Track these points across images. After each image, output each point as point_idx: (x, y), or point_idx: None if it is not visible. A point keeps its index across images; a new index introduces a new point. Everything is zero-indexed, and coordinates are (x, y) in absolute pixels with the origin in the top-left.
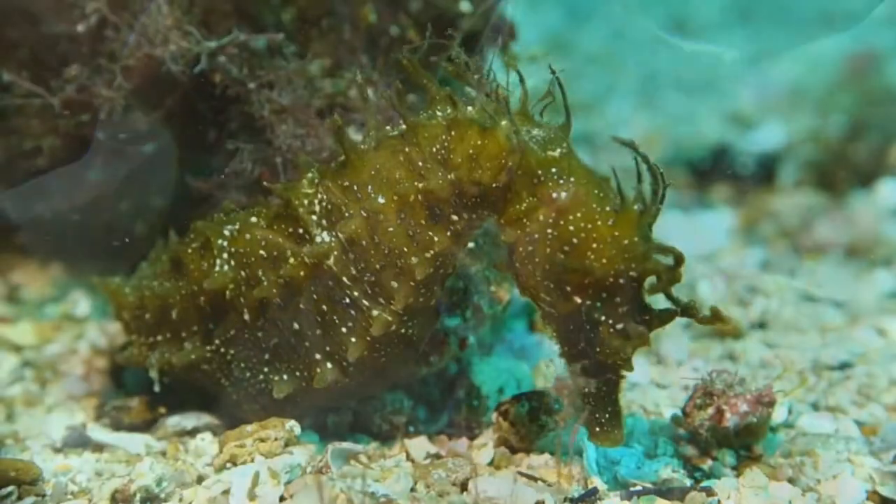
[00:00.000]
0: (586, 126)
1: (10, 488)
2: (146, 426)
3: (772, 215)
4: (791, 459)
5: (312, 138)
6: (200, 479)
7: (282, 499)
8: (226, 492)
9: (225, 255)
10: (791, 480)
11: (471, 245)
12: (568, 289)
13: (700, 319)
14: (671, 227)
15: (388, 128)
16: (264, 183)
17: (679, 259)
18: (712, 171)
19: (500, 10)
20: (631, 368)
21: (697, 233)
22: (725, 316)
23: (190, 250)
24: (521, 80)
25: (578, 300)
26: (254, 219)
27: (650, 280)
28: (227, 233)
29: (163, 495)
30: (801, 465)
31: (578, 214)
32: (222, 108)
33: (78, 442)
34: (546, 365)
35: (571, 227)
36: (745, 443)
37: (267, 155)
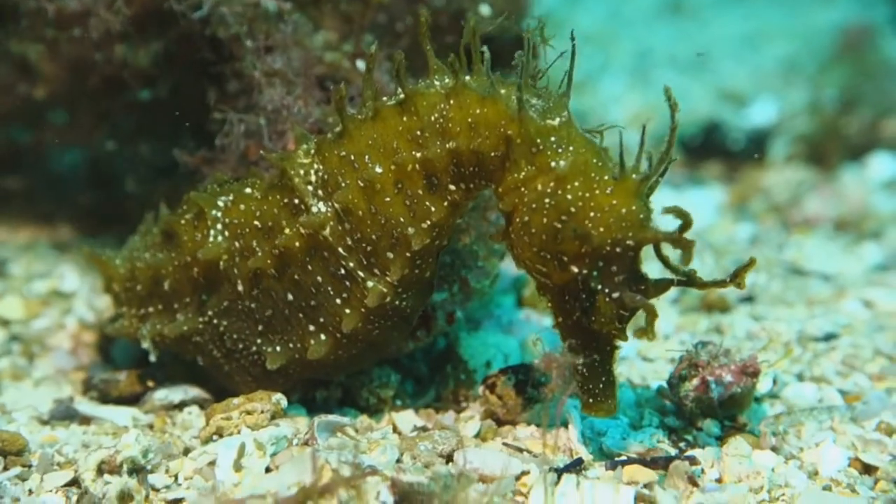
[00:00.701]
0: (579, 104)
1: None
2: (134, 400)
3: (762, 191)
4: (775, 428)
5: (299, 105)
6: (187, 451)
7: (268, 470)
8: (212, 463)
9: (219, 226)
10: (774, 449)
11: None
12: (565, 258)
13: (701, 285)
14: (662, 204)
15: (385, 98)
16: (261, 153)
17: (687, 222)
18: (703, 148)
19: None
20: (625, 338)
21: (688, 209)
22: (743, 277)
23: (183, 221)
24: (528, 51)
25: (575, 269)
26: (248, 189)
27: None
28: (220, 203)
29: (149, 467)
30: (784, 434)
31: (577, 183)
32: (220, 61)
33: (65, 414)
34: (533, 342)
35: (570, 196)
36: (729, 413)
37: (255, 128)
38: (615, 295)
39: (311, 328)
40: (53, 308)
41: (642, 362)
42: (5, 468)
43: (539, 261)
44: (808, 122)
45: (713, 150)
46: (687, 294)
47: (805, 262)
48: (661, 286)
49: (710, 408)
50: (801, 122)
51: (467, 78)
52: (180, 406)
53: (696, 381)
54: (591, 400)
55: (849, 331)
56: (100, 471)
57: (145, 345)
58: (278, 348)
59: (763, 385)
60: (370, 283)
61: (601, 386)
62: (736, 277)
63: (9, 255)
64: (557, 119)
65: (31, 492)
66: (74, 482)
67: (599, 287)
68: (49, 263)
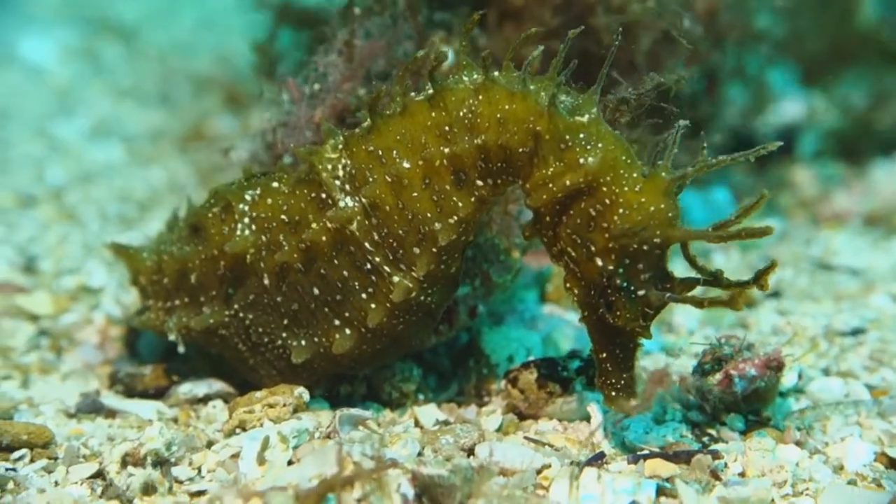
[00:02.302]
0: None
1: (23, 451)
2: (159, 394)
3: (791, 186)
4: (800, 423)
5: (336, 77)
6: (210, 444)
7: (290, 463)
8: (234, 456)
9: (246, 220)
10: (799, 443)
11: None
12: (592, 248)
13: (726, 286)
14: (688, 199)
15: (413, 93)
16: (290, 147)
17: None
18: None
19: None
20: (649, 336)
21: (714, 204)
22: (766, 279)
23: (210, 215)
24: (565, 47)
25: (600, 263)
26: (275, 184)
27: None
28: (248, 197)
29: (173, 459)
30: (809, 428)
31: (606, 179)
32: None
33: (91, 408)
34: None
35: (602, 190)
36: (753, 407)
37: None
38: (640, 293)
39: (337, 322)
40: (81, 303)
41: (666, 357)
42: (32, 460)
43: (571, 244)
44: (839, 117)
45: (742, 144)
46: (712, 289)
47: (833, 257)
48: (687, 285)
49: (733, 402)
50: (830, 117)
51: (496, 73)
52: (204, 400)
53: (719, 376)
54: (613, 394)
55: (876, 325)
56: (124, 463)
57: (172, 337)
58: (303, 342)
59: (788, 380)
60: (396, 278)
61: (623, 382)
62: (758, 279)
63: (39, 251)
64: (586, 116)
65: (56, 483)
66: (99, 474)
67: (625, 284)
68: (78, 260)
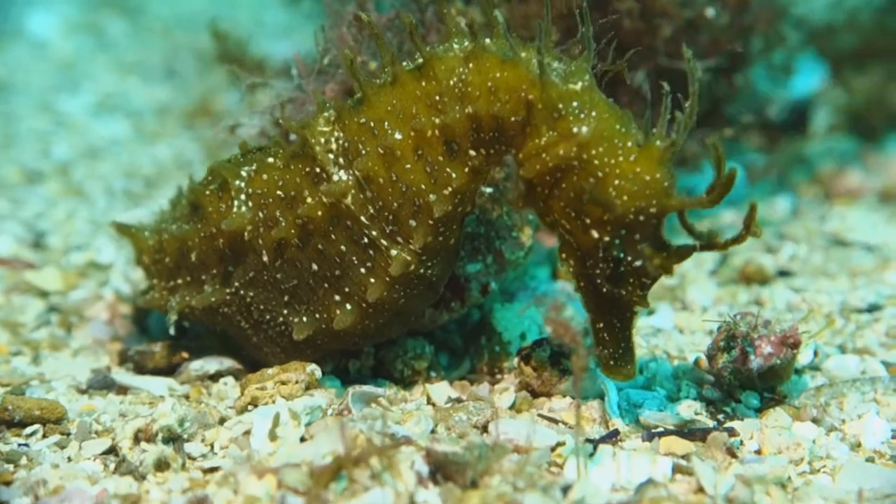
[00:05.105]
0: None
1: (36, 426)
2: (169, 371)
3: (804, 161)
4: (816, 400)
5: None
6: (222, 421)
7: (302, 440)
8: (247, 433)
9: (242, 197)
10: (815, 421)
11: (489, 190)
12: (587, 220)
13: (723, 246)
14: (698, 179)
15: (404, 63)
16: (280, 121)
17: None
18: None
19: None
20: (647, 305)
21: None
22: (755, 224)
23: (207, 192)
24: (547, 11)
25: (596, 235)
26: (271, 159)
27: None
28: (244, 173)
29: (185, 436)
30: (825, 405)
31: (600, 149)
32: None
33: (103, 384)
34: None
35: (595, 162)
36: (769, 385)
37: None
38: (637, 263)
39: (337, 298)
40: (90, 280)
41: (680, 334)
42: (44, 436)
43: (564, 217)
44: (852, 92)
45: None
46: (725, 266)
47: (848, 233)
48: (684, 252)
49: (748, 379)
50: (844, 93)
51: (487, 41)
52: (215, 377)
53: (734, 353)
54: (611, 363)
55: (893, 301)
56: (136, 439)
57: (172, 316)
58: (305, 318)
59: (804, 357)
60: (394, 252)
61: (620, 351)
62: (748, 229)
63: (46, 227)
64: (580, 83)
65: (69, 459)
66: (112, 450)
67: (621, 255)
68: (86, 236)
